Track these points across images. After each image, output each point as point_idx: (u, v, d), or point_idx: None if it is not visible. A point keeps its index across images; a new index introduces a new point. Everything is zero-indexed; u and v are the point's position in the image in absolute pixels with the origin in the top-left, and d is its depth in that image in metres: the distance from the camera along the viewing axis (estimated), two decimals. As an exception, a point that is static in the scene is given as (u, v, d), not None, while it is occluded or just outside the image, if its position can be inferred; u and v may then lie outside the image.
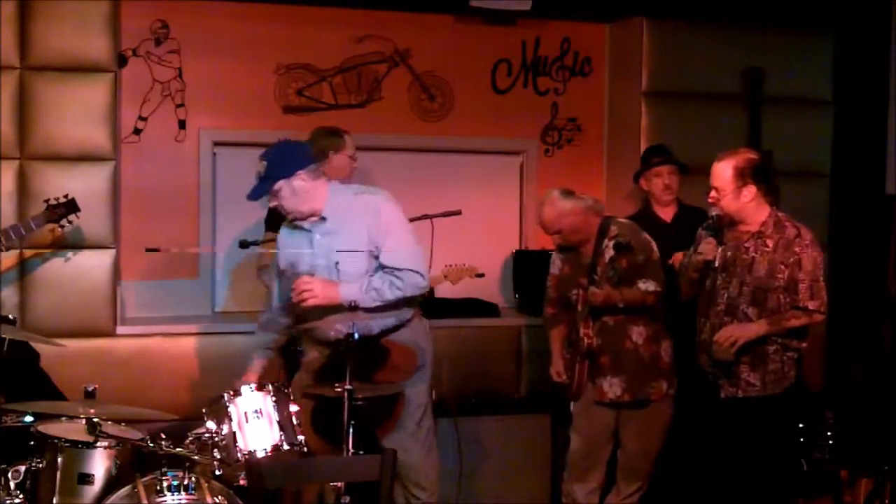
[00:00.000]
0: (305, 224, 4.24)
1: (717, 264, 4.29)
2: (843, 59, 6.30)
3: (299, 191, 4.16)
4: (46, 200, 4.93)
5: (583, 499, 4.97)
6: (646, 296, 4.70)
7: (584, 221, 4.79)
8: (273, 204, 4.26)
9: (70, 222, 4.99)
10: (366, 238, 4.17)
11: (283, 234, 4.39)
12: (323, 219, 4.20)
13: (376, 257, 4.19)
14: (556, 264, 5.00)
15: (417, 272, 4.20)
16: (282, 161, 4.16)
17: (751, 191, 4.31)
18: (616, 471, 4.98)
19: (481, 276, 5.26)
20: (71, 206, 4.95)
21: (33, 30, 5.20)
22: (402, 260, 4.17)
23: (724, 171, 4.32)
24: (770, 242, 4.34)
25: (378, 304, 4.16)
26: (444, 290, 5.79)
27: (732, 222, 4.38)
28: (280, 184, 4.13)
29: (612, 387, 4.77)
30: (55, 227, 4.98)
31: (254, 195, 4.23)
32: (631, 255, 4.69)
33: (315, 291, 4.10)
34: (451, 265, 5.00)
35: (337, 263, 4.16)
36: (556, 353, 4.97)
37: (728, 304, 4.35)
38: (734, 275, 4.35)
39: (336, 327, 4.68)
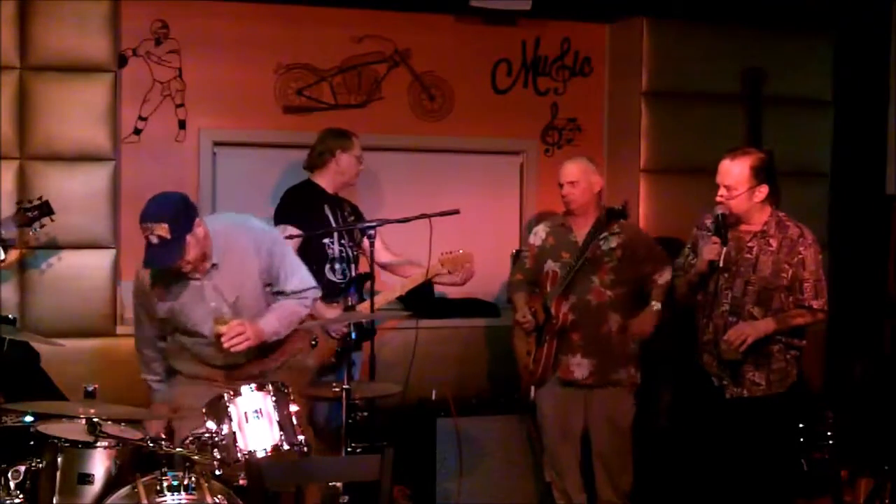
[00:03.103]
0: (196, 275, 4.06)
1: (720, 265, 4.28)
2: (843, 59, 6.30)
3: (201, 238, 3.99)
4: (19, 202, 4.85)
5: (576, 497, 5.00)
6: (667, 286, 4.90)
7: (594, 187, 4.95)
8: (177, 262, 3.94)
9: (43, 225, 4.85)
10: (255, 273, 4.14)
11: (158, 278, 4.08)
12: (214, 265, 4.07)
13: (268, 284, 4.20)
14: (538, 235, 5.09)
15: (315, 287, 4.33)
16: (181, 215, 3.92)
17: (763, 190, 4.31)
18: (596, 484, 5.02)
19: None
20: (45, 209, 4.78)
21: (33, 30, 5.20)
22: (301, 283, 4.26)
23: (739, 169, 4.30)
24: (774, 242, 4.34)
25: (295, 325, 4.25)
26: (444, 289, 5.80)
27: (737, 222, 4.37)
28: (187, 238, 3.91)
29: (581, 367, 4.87)
30: (28, 230, 4.82)
31: (168, 260, 3.92)
32: (630, 244, 4.90)
33: (247, 335, 4.01)
34: (446, 253, 5.01)
35: (236, 300, 4.11)
36: (520, 303, 5.02)
37: (732, 304, 4.35)
38: (738, 275, 4.35)
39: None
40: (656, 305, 4.89)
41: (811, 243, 4.36)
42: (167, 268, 3.98)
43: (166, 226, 3.85)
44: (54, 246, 5.19)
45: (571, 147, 6.30)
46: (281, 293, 4.23)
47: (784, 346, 4.36)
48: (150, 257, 3.93)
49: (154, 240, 3.86)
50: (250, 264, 4.15)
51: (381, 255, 5.09)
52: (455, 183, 6.14)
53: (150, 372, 4.35)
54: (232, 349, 4.02)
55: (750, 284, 4.33)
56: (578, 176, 4.93)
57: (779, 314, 4.31)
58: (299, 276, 4.27)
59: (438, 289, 5.79)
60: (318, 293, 4.37)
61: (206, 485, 3.67)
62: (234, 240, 4.14)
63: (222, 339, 3.98)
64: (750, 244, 4.36)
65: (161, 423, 4.12)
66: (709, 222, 4.41)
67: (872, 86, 6.23)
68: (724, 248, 4.26)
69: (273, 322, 4.14)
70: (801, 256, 4.33)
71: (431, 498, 5.19)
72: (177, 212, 3.92)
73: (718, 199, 4.34)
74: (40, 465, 3.70)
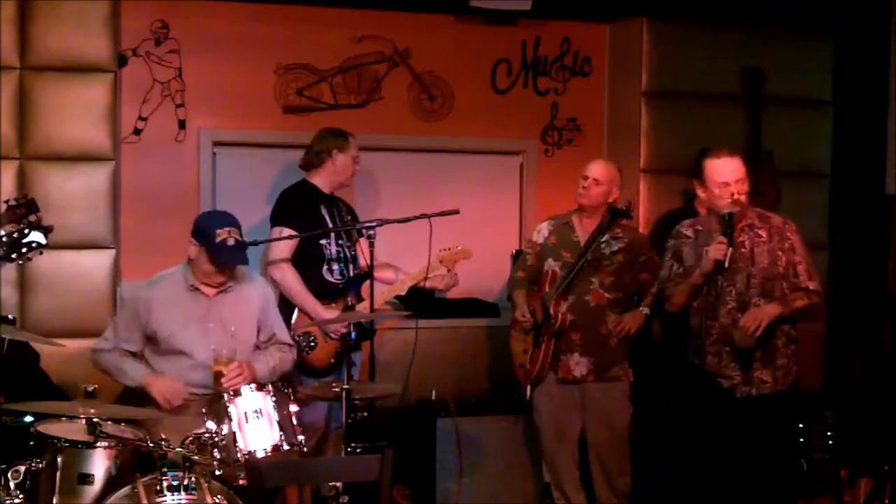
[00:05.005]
0: (210, 291, 4.35)
1: (727, 265, 4.30)
2: (843, 59, 6.30)
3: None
4: (6, 201, 4.86)
5: (574, 497, 5.00)
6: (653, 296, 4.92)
7: (611, 194, 4.95)
8: (226, 267, 4.32)
9: (30, 223, 4.89)
10: (257, 310, 4.44)
11: (167, 290, 4.37)
12: (230, 286, 4.38)
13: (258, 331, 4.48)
14: (541, 233, 5.10)
15: (292, 346, 4.60)
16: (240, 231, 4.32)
17: (749, 184, 4.40)
18: (594, 485, 5.01)
19: None
20: (31, 206, 4.83)
21: (33, 30, 5.20)
22: (288, 336, 4.58)
23: (738, 165, 4.40)
24: (763, 233, 4.44)
25: (277, 376, 4.39)
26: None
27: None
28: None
29: (579, 365, 4.90)
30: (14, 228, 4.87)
31: (242, 260, 4.30)
32: (631, 250, 4.93)
33: (245, 375, 4.17)
34: (445, 249, 5.01)
35: (234, 331, 4.32)
36: (520, 301, 5.03)
37: (738, 299, 4.39)
38: (737, 270, 4.39)
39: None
40: (645, 310, 4.94)
41: (795, 229, 4.48)
42: (234, 266, 4.35)
43: (237, 231, 4.27)
44: (54, 246, 5.17)
45: (571, 147, 6.31)
46: (269, 340, 4.47)
47: (786, 340, 4.44)
48: (231, 255, 4.25)
49: (231, 242, 4.23)
50: (254, 301, 4.42)
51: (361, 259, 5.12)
52: (455, 183, 6.14)
53: (120, 371, 4.36)
54: (231, 388, 4.09)
55: (753, 277, 4.39)
56: (605, 178, 4.93)
57: (782, 299, 4.39)
58: (286, 331, 4.60)
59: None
60: (294, 355, 4.59)
61: (206, 485, 3.67)
62: (247, 275, 4.49)
63: (222, 379, 4.12)
64: (740, 239, 4.41)
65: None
66: (687, 231, 4.52)
67: (872, 86, 6.22)
68: (730, 248, 4.29)
69: (264, 367, 4.34)
70: (790, 242, 4.44)
71: (431, 498, 5.20)
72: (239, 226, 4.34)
73: (735, 197, 4.34)
74: (40, 465, 3.70)
